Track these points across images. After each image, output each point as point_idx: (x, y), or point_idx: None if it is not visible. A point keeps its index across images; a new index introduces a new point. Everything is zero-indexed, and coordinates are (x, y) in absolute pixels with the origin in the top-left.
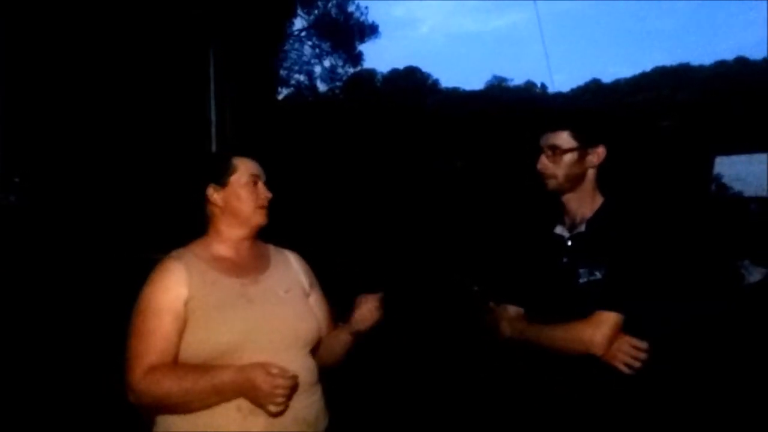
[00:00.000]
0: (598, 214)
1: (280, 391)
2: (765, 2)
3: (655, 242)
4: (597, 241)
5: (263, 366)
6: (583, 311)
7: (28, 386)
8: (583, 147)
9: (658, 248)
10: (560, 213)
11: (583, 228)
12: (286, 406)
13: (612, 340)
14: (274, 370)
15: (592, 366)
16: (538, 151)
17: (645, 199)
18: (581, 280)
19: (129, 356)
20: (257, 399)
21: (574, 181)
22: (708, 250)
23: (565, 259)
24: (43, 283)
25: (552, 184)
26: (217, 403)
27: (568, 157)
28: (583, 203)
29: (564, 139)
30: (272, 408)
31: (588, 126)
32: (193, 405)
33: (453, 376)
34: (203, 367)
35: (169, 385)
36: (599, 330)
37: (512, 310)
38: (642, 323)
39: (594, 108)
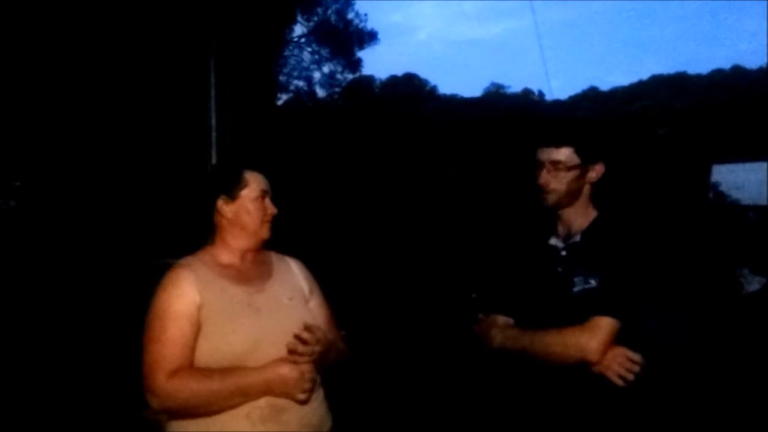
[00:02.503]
0: (594, 225)
1: (308, 376)
2: (764, 11)
3: (650, 249)
4: (592, 250)
5: (283, 359)
6: (579, 319)
7: (26, 389)
8: (585, 164)
9: (653, 255)
10: (554, 224)
11: (578, 238)
12: (314, 396)
13: (607, 346)
14: (297, 359)
15: (584, 377)
16: (536, 163)
17: (639, 211)
18: (576, 289)
19: (150, 361)
20: (287, 390)
21: (573, 196)
22: (706, 258)
23: (560, 269)
24: (43, 289)
25: (552, 198)
26: (239, 405)
27: (570, 173)
28: (578, 216)
29: (567, 155)
30: (301, 396)
31: (591, 143)
32: (216, 407)
33: (451, 380)
34: (227, 369)
35: (195, 387)
36: (595, 336)
37: (501, 320)
38: (637, 331)
39: (596, 123)
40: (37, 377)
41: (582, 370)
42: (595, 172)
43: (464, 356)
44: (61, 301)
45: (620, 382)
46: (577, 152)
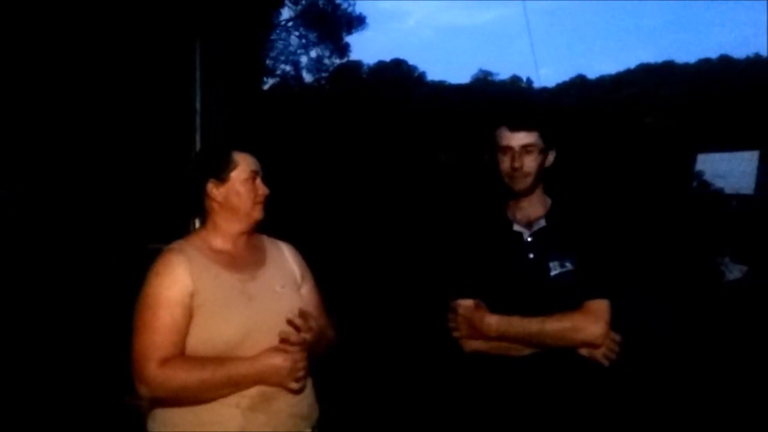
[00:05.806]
0: (555, 210)
1: (301, 365)
2: (753, 2)
3: (623, 230)
4: (562, 234)
5: (275, 348)
6: (559, 301)
7: (12, 377)
8: (546, 149)
9: (627, 236)
10: (503, 212)
11: (543, 223)
12: (305, 384)
13: (609, 328)
14: (288, 347)
15: (571, 359)
16: (499, 149)
17: (601, 195)
18: (552, 273)
19: (140, 349)
20: (280, 380)
21: (539, 180)
22: (688, 246)
23: (531, 255)
24: (26, 274)
25: (527, 182)
26: (229, 394)
27: (539, 157)
28: (537, 202)
29: (536, 138)
30: (294, 385)
31: (552, 129)
32: (206, 396)
33: (437, 369)
34: (218, 359)
35: (186, 377)
36: (599, 320)
37: (466, 303)
38: (617, 311)
39: (555, 109)
40: (23, 364)
41: (567, 352)
42: (550, 158)
43: (447, 345)
44: (45, 286)
45: (606, 363)
46: (542, 136)
